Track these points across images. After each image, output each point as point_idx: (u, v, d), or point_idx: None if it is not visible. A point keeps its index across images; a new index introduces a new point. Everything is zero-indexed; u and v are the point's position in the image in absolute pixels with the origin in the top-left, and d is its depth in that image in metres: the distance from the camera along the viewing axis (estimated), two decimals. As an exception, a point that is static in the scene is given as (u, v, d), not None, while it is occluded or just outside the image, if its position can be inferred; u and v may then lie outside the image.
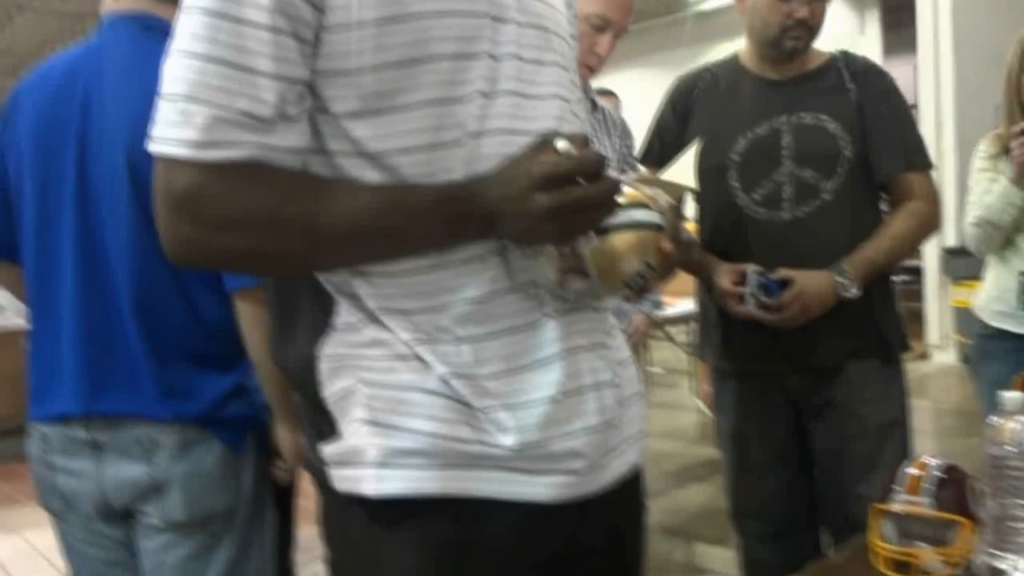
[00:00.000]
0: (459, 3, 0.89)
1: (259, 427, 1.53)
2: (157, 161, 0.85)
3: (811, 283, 1.78)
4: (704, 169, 1.84)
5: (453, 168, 0.88)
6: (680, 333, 5.74)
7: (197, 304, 1.47)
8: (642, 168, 2.01)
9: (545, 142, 0.87)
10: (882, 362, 1.91)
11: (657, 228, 0.95)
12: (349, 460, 0.92)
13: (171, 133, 0.84)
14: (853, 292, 1.80)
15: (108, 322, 1.45)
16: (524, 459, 0.91)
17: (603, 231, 0.91)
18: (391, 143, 0.87)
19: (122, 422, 1.44)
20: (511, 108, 0.91)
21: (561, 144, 0.84)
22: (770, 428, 1.96)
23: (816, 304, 1.78)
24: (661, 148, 1.98)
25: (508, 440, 0.90)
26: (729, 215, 1.91)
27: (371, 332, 0.91)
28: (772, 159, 1.87)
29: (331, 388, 0.92)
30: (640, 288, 0.98)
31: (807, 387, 1.90)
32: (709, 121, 1.95)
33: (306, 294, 0.94)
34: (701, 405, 5.40)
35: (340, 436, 0.92)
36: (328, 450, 0.93)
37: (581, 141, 0.86)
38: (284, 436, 1.53)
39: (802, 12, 1.83)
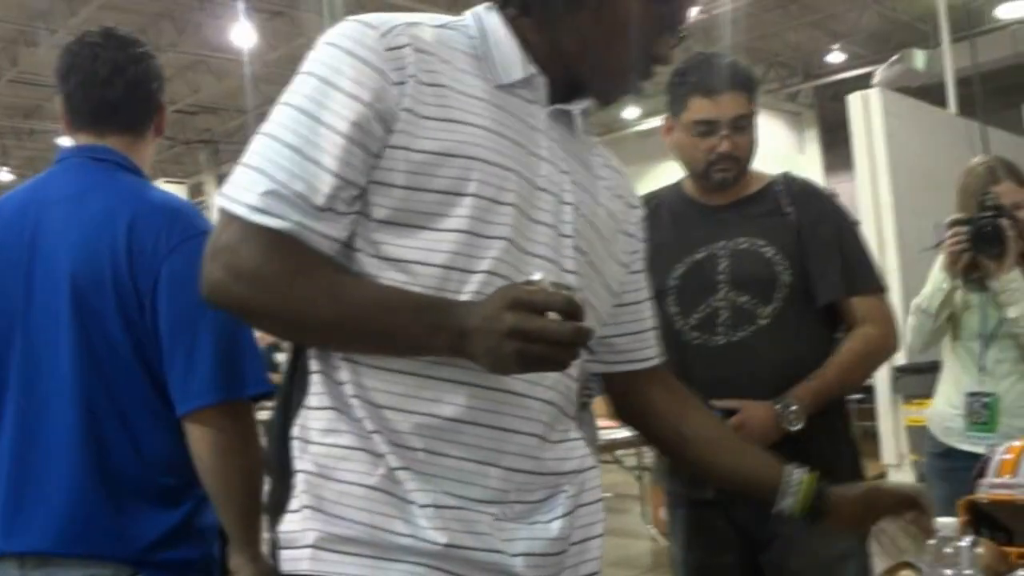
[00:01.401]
0: (507, 160, 1.04)
1: (207, 567, 1.51)
2: (219, 212, 1.01)
3: (754, 414, 1.78)
4: (655, 287, 1.87)
5: (459, 292, 1.00)
6: (630, 457, 5.67)
7: (140, 436, 1.46)
8: None
9: (527, 279, 0.96)
10: None
11: None
12: (291, 543, 1.03)
13: (235, 194, 1.00)
14: (796, 425, 1.79)
15: (44, 456, 1.44)
16: (452, 561, 1.00)
17: None
18: (411, 255, 1.01)
19: (55, 560, 1.41)
20: (538, 273, 1.01)
21: (537, 275, 0.93)
22: (721, 558, 1.93)
23: (758, 435, 1.76)
24: None
25: (441, 538, 0.99)
26: (668, 340, 1.91)
27: (332, 419, 1.02)
28: (708, 285, 1.89)
29: (296, 466, 1.04)
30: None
31: (754, 518, 1.85)
32: (650, 248, 1.97)
33: (300, 374, 1.07)
34: (654, 532, 5.29)
35: (287, 517, 1.04)
36: (280, 530, 1.05)
37: (563, 286, 0.94)
38: (240, 566, 1.48)
39: (724, 146, 1.87)
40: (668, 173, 2.11)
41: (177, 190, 9.20)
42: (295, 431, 1.05)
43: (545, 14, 1.09)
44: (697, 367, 1.85)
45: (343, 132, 0.99)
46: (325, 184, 0.98)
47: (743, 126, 1.90)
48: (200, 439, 1.43)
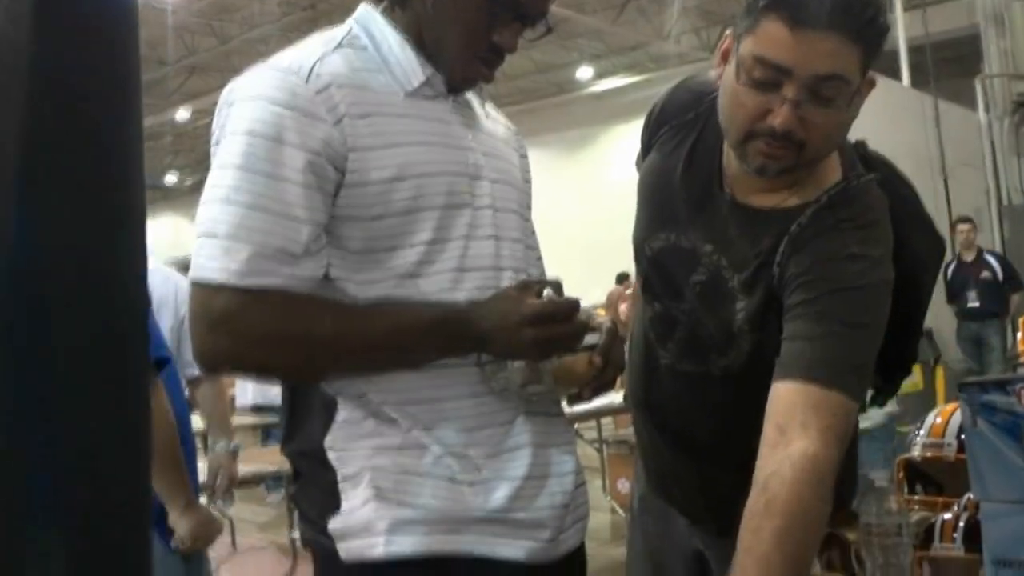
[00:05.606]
0: (446, 165, 1.21)
1: (157, 518, 1.75)
2: (195, 287, 1.11)
3: None
4: (633, 240, 1.53)
5: (433, 295, 1.18)
6: (589, 429, 5.84)
7: None
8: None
9: (527, 286, 1.19)
10: None
11: (594, 347, 1.25)
12: (358, 533, 1.17)
13: (216, 264, 1.09)
14: None
15: None
16: (502, 524, 1.19)
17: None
18: (389, 273, 1.17)
19: None
20: (490, 249, 1.23)
21: (547, 292, 1.18)
22: (670, 564, 1.72)
23: None
24: None
25: (491, 504, 1.19)
26: (639, 316, 1.61)
27: (372, 425, 1.18)
28: (675, 287, 1.44)
29: (341, 472, 1.19)
30: (582, 393, 1.29)
31: (702, 530, 1.64)
32: (653, 180, 1.50)
33: (315, 398, 1.21)
34: (615, 504, 5.43)
35: (347, 513, 1.18)
36: (335, 526, 1.19)
37: (558, 288, 1.20)
38: (176, 520, 1.80)
39: (780, 119, 1.22)
40: (621, 137, 2.03)
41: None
42: (328, 442, 1.19)
43: (403, 3, 1.22)
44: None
45: (303, 183, 1.11)
46: (301, 234, 1.11)
47: (829, 96, 1.22)
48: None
